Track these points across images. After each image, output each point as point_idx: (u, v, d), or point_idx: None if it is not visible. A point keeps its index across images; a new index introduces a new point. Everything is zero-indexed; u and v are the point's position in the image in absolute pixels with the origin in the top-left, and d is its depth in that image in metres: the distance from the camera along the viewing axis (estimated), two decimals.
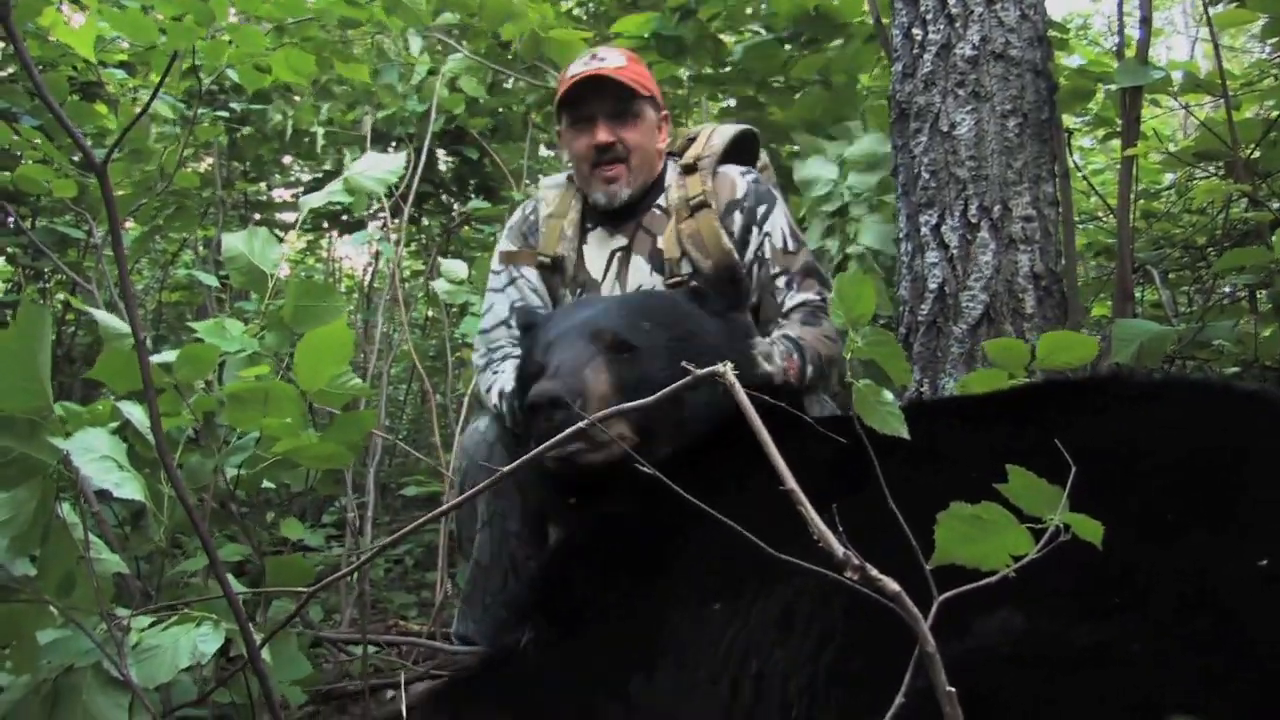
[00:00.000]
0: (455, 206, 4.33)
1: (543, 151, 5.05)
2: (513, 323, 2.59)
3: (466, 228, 4.54)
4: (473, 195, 4.26)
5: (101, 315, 1.55)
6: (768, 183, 2.61)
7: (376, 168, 2.19)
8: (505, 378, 2.45)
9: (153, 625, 1.53)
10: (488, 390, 2.57)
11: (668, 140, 2.67)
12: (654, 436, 1.95)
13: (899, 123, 2.47)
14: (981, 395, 1.75)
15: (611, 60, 2.54)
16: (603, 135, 2.50)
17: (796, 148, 3.77)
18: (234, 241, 2.02)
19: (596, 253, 2.61)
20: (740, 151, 2.66)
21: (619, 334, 1.98)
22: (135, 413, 1.39)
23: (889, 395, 1.41)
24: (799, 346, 2.30)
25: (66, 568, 1.40)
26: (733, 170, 2.58)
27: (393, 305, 3.33)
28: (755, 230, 2.51)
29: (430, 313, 4.58)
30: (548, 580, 1.86)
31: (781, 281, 2.48)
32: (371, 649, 2.41)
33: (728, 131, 2.66)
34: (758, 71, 3.54)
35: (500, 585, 2.48)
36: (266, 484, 2.05)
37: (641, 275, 2.55)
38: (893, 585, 0.99)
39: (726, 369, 1.08)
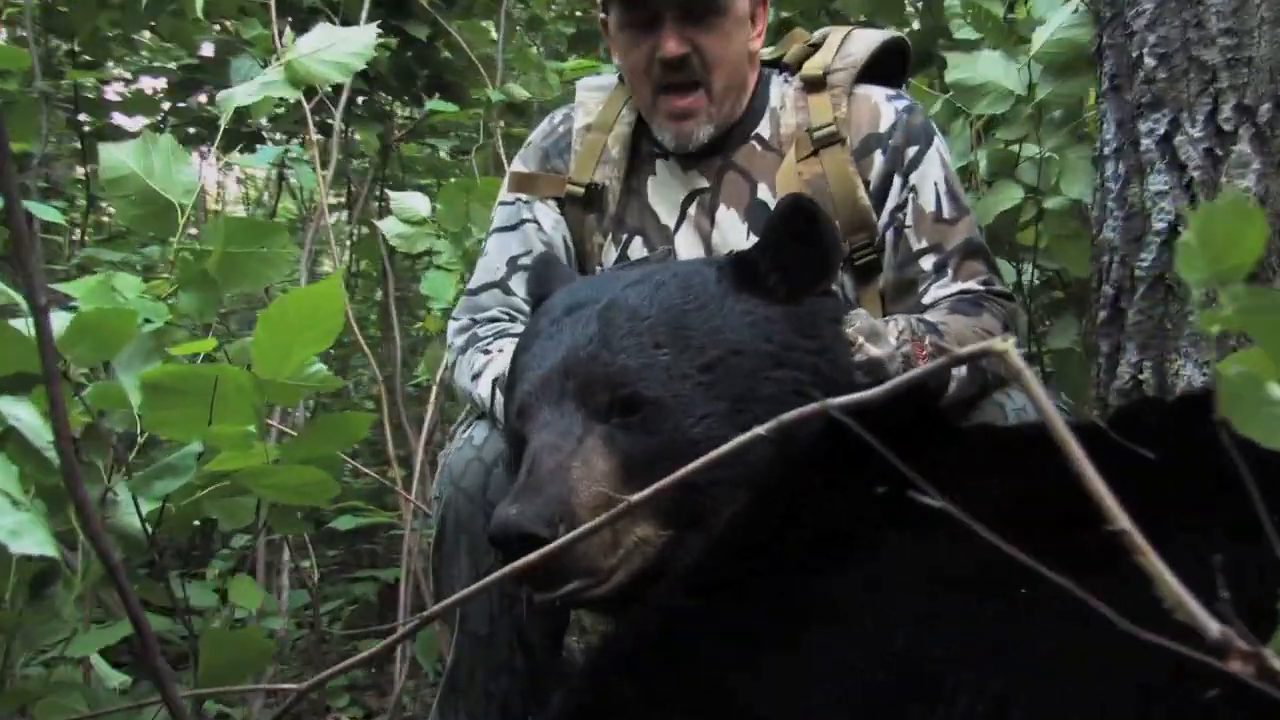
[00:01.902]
0: (398, 111, 4.05)
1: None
2: (511, 284, 2.42)
3: (409, 144, 4.27)
4: (422, 94, 3.96)
5: None
6: (924, 114, 2.40)
7: (338, 47, 1.97)
8: (501, 362, 2.20)
9: None
10: (474, 377, 2.32)
11: (763, 37, 2.44)
12: (698, 520, 1.74)
13: None
14: None
15: None
16: (671, 45, 2.26)
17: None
18: (118, 155, 1.78)
19: (666, 192, 2.43)
20: (884, 68, 2.46)
21: (620, 386, 1.76)
22: (24, 414, 1.05)
23: (1277, 391, 1.13)
24: (936, 331, 2.08)
25: None
26: (876, 92, 2.39)
27: (318, 253, 3.03)
28: (898, 181, 2.32)
29: (362, 264, 4.27)
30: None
31: (929, 263, 2.29)
32: None
33: (871, 38, 2.46)
34: None
35: (505, 663, 2.26)
36: None
37: (736, 237, 2.35)
38: None
39: (1008, 345, 0.80)
